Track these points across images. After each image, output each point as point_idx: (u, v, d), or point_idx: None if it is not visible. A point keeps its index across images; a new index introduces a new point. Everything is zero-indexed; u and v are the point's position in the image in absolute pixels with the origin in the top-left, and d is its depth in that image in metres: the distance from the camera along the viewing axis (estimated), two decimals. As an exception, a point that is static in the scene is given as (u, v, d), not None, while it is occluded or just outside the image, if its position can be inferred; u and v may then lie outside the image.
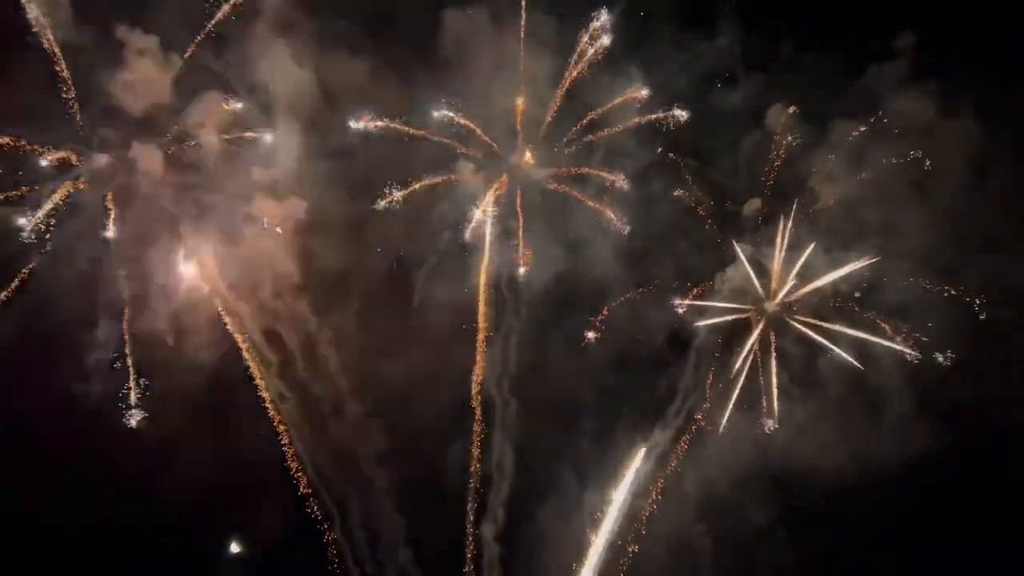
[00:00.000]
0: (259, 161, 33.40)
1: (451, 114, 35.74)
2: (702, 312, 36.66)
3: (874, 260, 34.41)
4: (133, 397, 32.20)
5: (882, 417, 35.42)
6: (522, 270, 36.89)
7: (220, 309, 33.05)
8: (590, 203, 37.01)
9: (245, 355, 33.11)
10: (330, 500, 34.50)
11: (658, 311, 37.64)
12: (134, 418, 32.18)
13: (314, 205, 33.61)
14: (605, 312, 37.81)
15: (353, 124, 34.71)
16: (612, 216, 36.58)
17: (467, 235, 36.11)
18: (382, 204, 35.19)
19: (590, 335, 37.52)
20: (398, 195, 35.28)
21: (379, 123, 34.85)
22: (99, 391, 31.67)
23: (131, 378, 32.06)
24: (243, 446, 33.23)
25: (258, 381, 33.35)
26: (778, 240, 35.27)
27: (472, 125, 36.22)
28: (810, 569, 35.84)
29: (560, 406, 37.58)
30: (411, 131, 35.59)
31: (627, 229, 36.71)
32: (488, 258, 36.37)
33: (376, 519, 35.30)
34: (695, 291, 37.63)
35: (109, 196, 32.42)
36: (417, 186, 35.56)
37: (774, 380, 35.49)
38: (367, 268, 36.14)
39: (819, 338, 35.24)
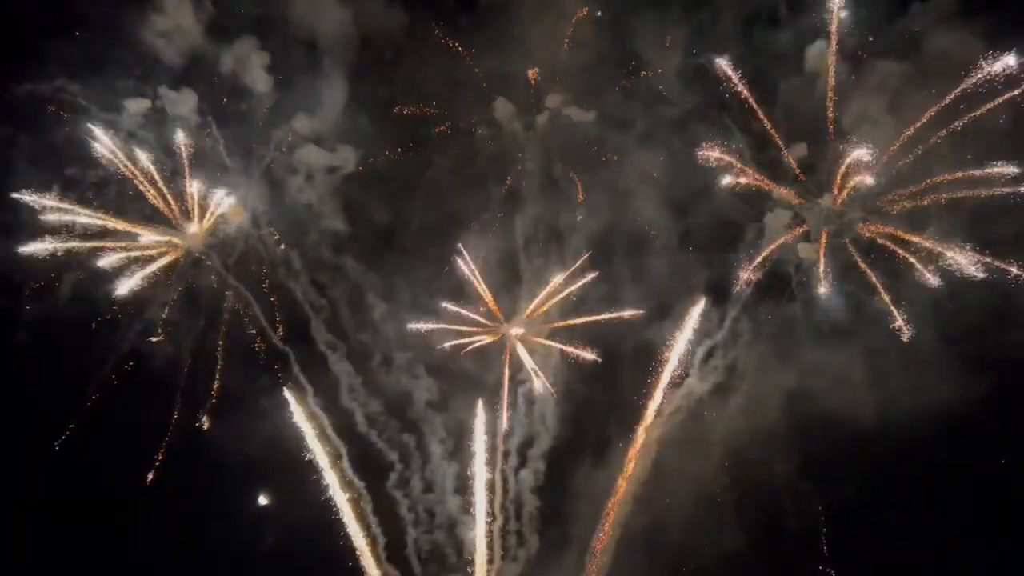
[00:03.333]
0: (303, 108, 32.90)
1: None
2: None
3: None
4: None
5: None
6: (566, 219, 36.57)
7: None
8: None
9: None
10: (387, 448, 34.63)
11: (698, 262, 37.25)
12: None
13: (362, 155, 33.26)
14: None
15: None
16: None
17: (510, 182, 35.74)
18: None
19: None
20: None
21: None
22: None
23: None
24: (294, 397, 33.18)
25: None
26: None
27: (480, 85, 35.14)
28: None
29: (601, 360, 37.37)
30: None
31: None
32: (531, 207, 36.00)
33: (427, 467, 35.50)
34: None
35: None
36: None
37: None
38: (412, 218, 35.73)
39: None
